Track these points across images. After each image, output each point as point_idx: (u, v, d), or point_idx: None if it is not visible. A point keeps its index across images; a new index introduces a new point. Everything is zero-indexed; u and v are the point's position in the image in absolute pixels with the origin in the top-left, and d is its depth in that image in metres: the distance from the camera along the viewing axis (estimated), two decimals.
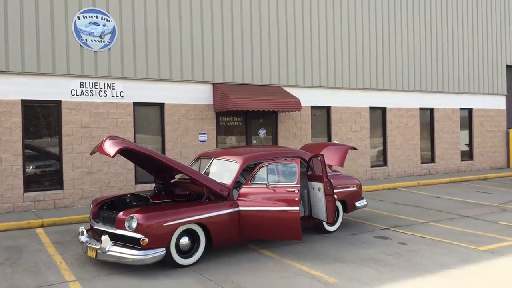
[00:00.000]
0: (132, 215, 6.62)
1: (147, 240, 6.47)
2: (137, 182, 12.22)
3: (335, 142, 11.26)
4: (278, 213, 7.15)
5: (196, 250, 7.06)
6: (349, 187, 9.35)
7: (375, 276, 6.43)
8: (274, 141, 14.52)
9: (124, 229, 6.63)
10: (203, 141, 13.15)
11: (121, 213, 6.80)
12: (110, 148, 6.68)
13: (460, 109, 18.96)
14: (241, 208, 7.37)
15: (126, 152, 7.43)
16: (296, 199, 7.10)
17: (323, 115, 15.60)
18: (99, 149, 6.85)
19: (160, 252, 6.57)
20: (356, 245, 8.06)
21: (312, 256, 7.41)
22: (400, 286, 6.06)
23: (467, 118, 19.38)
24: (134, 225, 6.56)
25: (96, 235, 7.21)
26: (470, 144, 19.49)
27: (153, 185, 8.68)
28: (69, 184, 11.39)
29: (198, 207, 7.10)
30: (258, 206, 7.29)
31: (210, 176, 7.87)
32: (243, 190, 7.54)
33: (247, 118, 14.03)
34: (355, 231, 9.11)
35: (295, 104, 13.56)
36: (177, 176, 8.74)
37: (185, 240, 6.94)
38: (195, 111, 13.06)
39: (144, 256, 6.44)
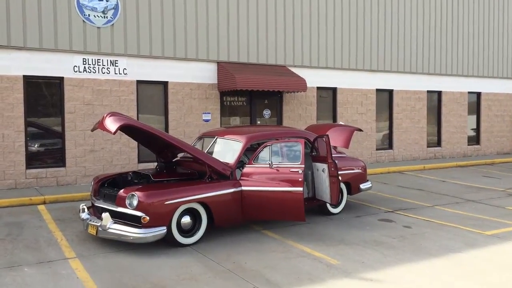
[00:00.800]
0: (133, 193, 6.52)
1: (148, 218, 6.38)
2: (140, 161, 12.14)
3: (341, 123, 11.09)
4: (282, 194, 7.03)
5: (198, 229, 6.97)
6: (354, 169, 9.20)
7: (379, 259, 6.33)
8: (279, 122, 14.36)
9: (125, 206, 6.54)
10: (207, 120, 13.01)
11: (122, 191, 6.71)
12: (111, 124, 6.55)
13: (468, 92, 18.66)
14: (243, 188, 7.26)
15: (127, 129, 7.32)
16: (300, 179, 6.98)
17: (328, 97, 15.39)
18: (100, 125, 6.72)
19: (161, 230, 6.48)
20: (360, 228, 7.96)
21: (315, 238, 7.31)
22: (404, 269, 5.96)
23: (475, 102, 19.09)
24: (135, 203, 6.46)
25: (97, 212, 7.13)
26: (477, 129, 19.24)
27: (156, 164, 8.56)
28: (72, 162, 11.32)
29: (200, 186, 7.00)
30: (261, 186, 7.17)
31: (213, 155, 7.75)
32: (246, 169, 7.41)
33: (251, 98, 13.85)
34: (359, 214, 9.00)
35: (301, 85, 13.35)
36: (180, 155, 8.63)
37: (186, 219, 6.86)
38: (199, 90, 12.89)
39: (144, 234, 6.36)
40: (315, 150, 8.37)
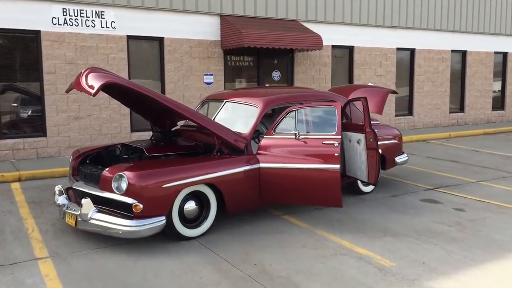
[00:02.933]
0: (121, 173, 4.98)
1: (141, 206, 4.87)
2: (133, 130, 10.57)
3: (370, 84, 9.48)
4: (312, 172, 5.52)
5: (205, 218, 5.49)
6: (389, 139, 7.66)
7: (443, 258, 4.87)
8: (291, 83, 12.72)
9: (111, 191, 5.02)
10: (209, 83, 11.37)
11: (106, 170, 5.17)
12: (91, 82, 4.96)
13: (495, 52, 16.96)
14: (262, 165, 5.74)
15: (113, 89, 5.73)
16: (336, 154, 5.45)
17: (344, 57, 13.71)
18: (77, 84, 5.13)
19: (159, 221, 4.98)
20: (403, 212, 6.49)
21: (352, 227, 5.84)
22: (482, 274, 4.50)
23: (501, 63, 17.42)
24: (123, 186, 4.94)
25: (77, 196, 5.61)
26: (503, 92, 17.65)
27: (151, 134, 6.99)
28: (53, 131, 9.74)
29: (208, 163, 5.46)
30: (284, 163, 5.65)
31: (222, 123, 6.16)
32: (265, 142, 5.87)
33: (259, 58, 12.17)
34: (395, 192, 7.53)
35: (316, 42, 11.65)
36: (180, 123, 7.05)
37: (191, 205, 5.36)
38: (200, 48, 11.19)
39: (137, 227, 4.86)
40: (346, 117, 6.83)
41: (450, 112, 16.05)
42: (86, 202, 5.04)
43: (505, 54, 17.37)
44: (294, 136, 5.69)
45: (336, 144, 5.46)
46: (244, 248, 5.13)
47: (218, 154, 5.81)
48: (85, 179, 5.54)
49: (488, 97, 16.99)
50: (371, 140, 6.25)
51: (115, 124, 10.32)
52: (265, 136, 5.92)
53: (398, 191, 7.60)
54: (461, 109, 16.45)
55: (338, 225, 5.89)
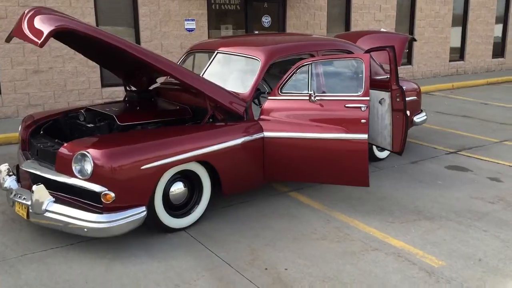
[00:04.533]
0: (84, 151, 3.74)
1: (112, 195, 3.67)
2: (104, 84, 9.16)
3: (383, 30, 8.19)
4: (331, 144, 4.36)
5: (197, 203, 4.33)
6: (408, 96, 6.51)
7: (502, 252, 3.85)
8: (282, 30, 11.32)
9: (72, 175, 3.79)
10: (190, 30, 9.90)
11: (64, 146, 3.91)
12: (38, 29, 3.61)
13: None
14: (266, 134, 4.54)
15: (70, 38, 4.37)
16: (363, 121, 4.28)
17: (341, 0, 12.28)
18: (17, 31, 3.77)
19: (138, 214, 3.81)
20: (430, 184, 5.45)
21: (375, 207, 4.77)
22: None
23: (503, 8, 16.19)
24: (88, 168, 3.71)
25: (30, 178, 4.36)
26: (503, 39, 16.53)
27: (124, 95, 5.66)
28: (9, 87, 8.28)
29: (199, 135, 4.24)
30: (295, 132, 4.47)
31: (214, 81, 4.86)
32: (269, 104, 4.65)
33: (246, 0, 10.66)
34: (413, 158, 6.47)
35: None
36: (160, 80, 5.72)
37: (178, 188, 4.19)
38: None
39: (108, 223, 3.67)
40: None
41: (449, 61, 14.92)
42: (38, 189, 3.80)
43: None
44: (307, 98, 4.47)
45: (364, 108, 4.28)
46: (248, 242, 4.02)
47: (211, 121, 4.57)
48: (38, 157, 4.27)
49: (489, 44, 15.86)
50: (398, 99, 5.08)
51: (83, 79, 8.89)
52: (269, 98, 4.69)
53: (416, 156, 6.54)
54: (461, 57, 15.32)
55: (358, 205, 4.81)
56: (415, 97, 6.69)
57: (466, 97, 11.59)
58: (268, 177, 4.70)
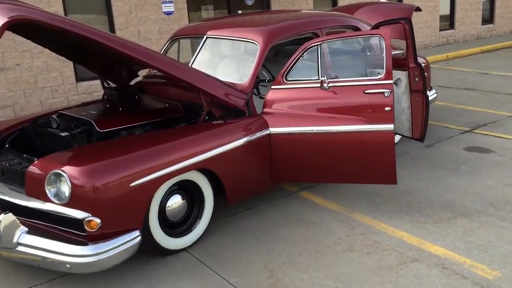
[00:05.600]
0: (58, 171, 3.04)
1: (97, 221, 3.00)
2: (79, 79, 8.34)
3: (384, 0, 7.51)
4: (352, 137, 3.73)
5: (198, 217, 3.69)
6: None
7: None
8: (267, 8, 10.57)
9: (46, 199, 3.10)
10: (168, 13, 9.10)
11: (34, 164, 3.21)
12: None
13: None
14: (273, 130, 3.89)
15: (33, 30, 3.64)
16: (388, 108, 3.65)
17: None
18: None
19: (131, 239, 3.15)
20: (454, 171, 4.89)
21: (401, 204, 4.19)
22: None
23: None
24: (65, 190, 3.03)
25: None
26: (492, 4, 15.99)
27: (103, 93, 4.91)
28: None
29: (196, 137, 3.57)
30: (307, 125, 3.83)
31: (205, 71, 4.16)
32: (273, 95, 3.99)
33: None
34: (427, 141, 5.80)
35: None
36: (142, 73, 4.99)
37: (175, 202, 3.54)
38: None
39: (96, 256, 3.00)
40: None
41: (440, 30, 14.35)
42: (6, 219, 3.10)
43: None
44: (319, 85, 3.82)
45: (387, 93, 3.64)
46: (263, 261, 3.40)
47: (207, 119, 3.90)
48: (5, 178, 3.55)
49: (478, 10, 15.32)
50: (417, 79, 4.46)
51: (55, 74, 8.07)
52: (272, 87, 4.02)
53: (430, 139, 5.95)
54: (451, 25, 14.76)
55: (381, 203, 4.22)
56: (426, 74, 6.08)
57: (464, 67, 11.06)
58: (276, 179, 4.07)
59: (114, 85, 4.65)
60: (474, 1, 15.05)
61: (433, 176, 4.76)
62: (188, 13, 9.39)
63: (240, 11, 10.07)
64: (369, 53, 3.85)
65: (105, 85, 4.67)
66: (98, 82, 7.51)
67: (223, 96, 3.80)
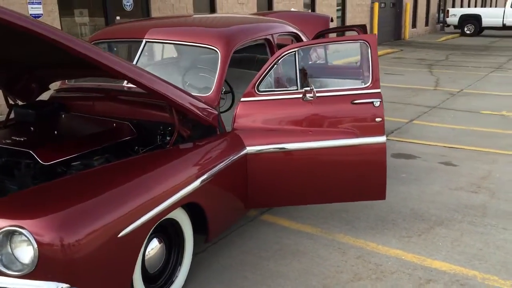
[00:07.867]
0: (13, 227, 2.09)
1: None
2: None
3: (293, 10, 7.35)
4: (340, 152, 3.39)
5: (178, 262, 2.96)
6: None
7: None
8: (146, 16, 9.75)
9: None
10: (36, 16, 7.73)
11: None
12: None
13: None
14: (250, 149, 3.35)
15: None
16: (379, 119, 3.39)
17: None
18: None
19: None
20: (397, 178, 4.87)
21: (373, 219, 3.97)
22: None
23: None
24: (28, 255, 2.10)
25: None
26: (343, 20, 17.38)
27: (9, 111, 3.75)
28: None
29: (178, 165, 2.85)
30: (289, 142, 3.37)
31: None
32: (244, 108, 3.44)
33: None
34: None
35: None
36: (54, 86, 3.95)
37: (153, 248, 2.77)
38: None
39: None
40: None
41: None
42: None
43: None
44: (299, 96, 3.40)
45: (377, 103, 3.39)
46: None
47: (177, 140, 3.17)
48: None
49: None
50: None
51: None
52: (242, 99, 3.47)
53: None
54: None
55: (353, 220, 3.95)
56: None
57: None
58: (251, 204, 3.52)
59: (22, 100, 3.60)
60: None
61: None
62: (60, 16, 8.12)
63: (118, 17, 9.10)
64: (353, 60, 3.58)
65: (9, 101, 3.59)
66: None
67: (198, 110, 3.13)
